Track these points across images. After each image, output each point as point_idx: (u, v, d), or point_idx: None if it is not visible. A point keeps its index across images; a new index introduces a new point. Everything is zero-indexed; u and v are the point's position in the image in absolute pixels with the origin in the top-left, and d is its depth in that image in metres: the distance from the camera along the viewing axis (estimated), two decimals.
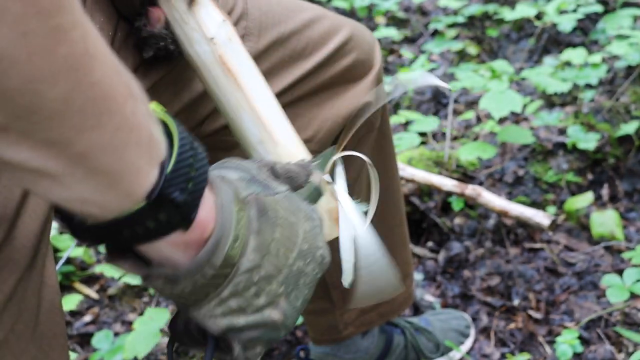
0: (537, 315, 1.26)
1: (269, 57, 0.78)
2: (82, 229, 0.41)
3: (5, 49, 0.29)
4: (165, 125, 0.42)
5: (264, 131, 0.61)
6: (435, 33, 2.31)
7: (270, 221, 0.46)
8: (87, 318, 1.43)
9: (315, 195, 0.58)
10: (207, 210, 0.43)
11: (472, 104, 1.91)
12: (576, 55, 1.71)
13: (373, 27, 2.41)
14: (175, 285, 0.44)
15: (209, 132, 0.78)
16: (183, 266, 0.43)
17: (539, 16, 2.15)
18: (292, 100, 0.82)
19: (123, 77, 0.37)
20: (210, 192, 0.45)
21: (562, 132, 1.65)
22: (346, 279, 0.62)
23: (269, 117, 0.61)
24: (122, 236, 0.41)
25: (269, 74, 0.80)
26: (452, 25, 2.31)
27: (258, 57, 0.77)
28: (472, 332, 1.23)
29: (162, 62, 0.68)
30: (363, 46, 0.87)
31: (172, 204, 0.40)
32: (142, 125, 0.38)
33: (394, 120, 1.70)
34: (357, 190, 0.96)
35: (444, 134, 1.77)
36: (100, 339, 1.27)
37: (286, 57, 0.79)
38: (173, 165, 0.40)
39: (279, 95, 0.81)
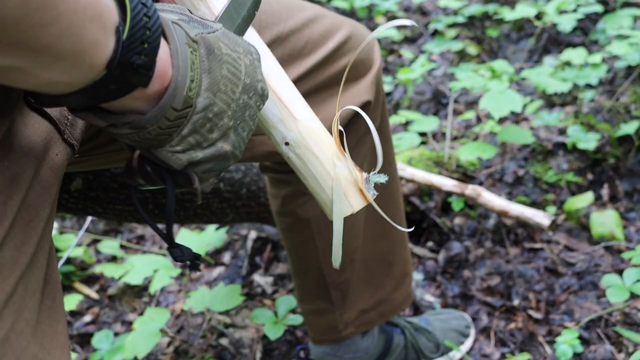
0: (537, 315, 1.26)
1: None
2: (48, 100, 0.45)
3: None
4: None
5: (283, 109, 0.62)
6: (435, 33, 2.31)
7: (217, 59, 0.50)
8: (87, 318, 1.43)
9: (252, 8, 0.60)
10: (163, 60, 0.46)
11: (472, 104, 1.91)
12: (576, 55, 1.71)
13: (373, 27, 2.41)
14: (141, 131, 0.48)
15: None
16: (147, 113, 0.47)
17: (539, 16, 2.15)
18: None
19: None
20: (163, 40, 0.47)
21: (562, 132, 1.65)
22: (336, 259, 0.63)
23: (287, 96, 0.62)
24: (86, 99, 0.45)
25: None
26: (452, 25, 2.31)
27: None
28: (472, 332, 1.23)
29: None
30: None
31: (131, 67, 0.44)
32: (92, 1, 0.40)
33: (394, 120, 1.70)
34: None
35: (444, 134, 1.77)
36: (100, 339, 1.27)
37: (285, 55, 0.80)
38: (128, 30, 0.43)
39: None
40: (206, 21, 0.52)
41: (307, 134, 0.62)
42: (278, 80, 0.62)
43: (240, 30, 0.59)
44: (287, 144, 0.62)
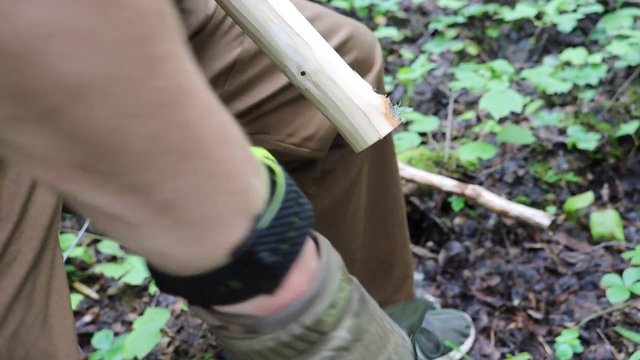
0: (537, 315, 1.26)
1: None
2: (162, 278, 0.36)
3: (94, 78, 0.26)
4: (271, 172, 0.37)
5: (296, 37, 0.59)
6: (435, 33, 2.31)
7: (369, 311, 0.42)
8: (87, 318, 1.43)
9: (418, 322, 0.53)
10: (305, 272, 0.38)
11: (472, 104, 1.91)
12: (576, 55, 1.71)
13: (373, 27, 2.41)
14: (254, 338, 0.38)
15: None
16: (269, 316, 0.38)
17: (539, 16, 2.15)
18: (292, 99, 0.82)
19: (219, 116, 0.32)
20: (314, 252, 0.39)
21: (562, 132, 1.65)
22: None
23: (299, 24, 0.60)
24: (201, 293, 0.36)
25: (269, 72, 0.80)
26: (452, 25, 2.31)
27: (257, 55, 0.77)
28: (472, 332, 1.23)
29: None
30: (363, 45, 0.87)
31: (257, 264, 0.35)
32: (237, 173, 0.33)
33: None
34: (357, 189, 0.96)
35: (444, 134, 1.77)
36: (100, 339, 1.27)
37: None
38: (270, 220, 0.35)
39: (279, 93, 0.81)
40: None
41: (323, 60, 0.59)
42: (287, 8, 0.60)
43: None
44: (303, 73, 0.58)
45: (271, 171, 0.37)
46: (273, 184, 0.36)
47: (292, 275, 0.37)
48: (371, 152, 0.96)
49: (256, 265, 0.35)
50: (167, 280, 0.36)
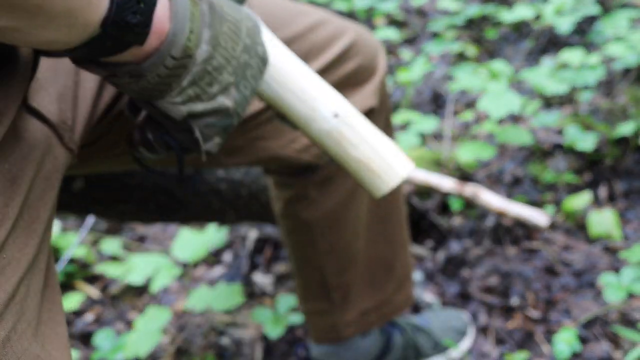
0: (536, 314, 1.27)
1: None
2: (54, 54, 0.48)
3: None
4: None
5: (321, 84, 0.62)
6: (435, 34, 2.32)
7: (219, 16, 0.52)
8: (89, 317, 1.44)
9: None
10: (162, 16, 0.48)
11: (471, 104, 1.92)
12: (574, 56, 1.72)
13: (372, 29, 2.42)
14: (140, 79, 0.49)
15: None
16: (147, 60, 0.48)
17: (537, 18, 2.16)
18: None
19: None
20: None
21: (560, 132, 1.66)
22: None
23: (315, 78, 0.62)
24: (85, 55, 0.47)
25: None
26: (451, 27, 2.32)
27: None
28: (471, 331, 1.24)
29: None
30: (367, 51, 0.87)
31: (127, 26, 0.45)
32: None
33: (394, 120, 1.71)
34: (359, 193, 0.96)
35: (443, 135, 1.78)
36: (102, 338, 1.27)
37: None
38: None
39: None
40: None
41: (347, 104, 0.62)
42: (299, 64, 0.62)
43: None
44: (336, 115, 0.61)
45: None
46: None
47: (154, 24, 0.47)
48: None
49: (125, 27, 0.44)
50: (57, 53, 0.47)
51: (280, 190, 0.98)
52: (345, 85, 0.85)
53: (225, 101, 0.54)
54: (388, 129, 0.97)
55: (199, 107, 0.53)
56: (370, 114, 0.89)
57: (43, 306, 0.50)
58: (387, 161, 0.61)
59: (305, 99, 0.61)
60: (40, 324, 0.49)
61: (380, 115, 0.92)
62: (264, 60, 0.57)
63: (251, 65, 0.55)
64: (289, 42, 0.80)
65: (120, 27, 0.44)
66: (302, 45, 0.81)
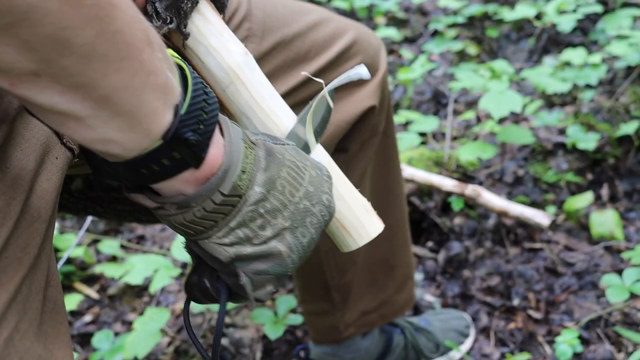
0: (537, 315, 1.26)
1: (272, 59, 0.78)
2: (105, 168, 0.47)
3: (37, 0, 0.33)
4: (181, 70, 0.47)
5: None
6: (435, 33, 2.32)
7: (277, 161, 0.51)
8: (88, 318, 1.43)
9: (326, 112, 0.62)
10: (216, 148, 0.48)
11: (472, 104, 1.91)
12: (576, 55, 1.71)
13: (373, 27, 2.42)
14: (187, 211, 0.48)
15: None
16: (195, 192, 0.48)
17: (538, 16, 2.15)
18: (294, 104, 0.82)
19: (142, 25, 0.41)
20: (219, 133, 0.49)
21: (562, 132, 1.65)
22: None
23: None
24: (140, 173, 0.46)
25: (271, 76, 0.79)
26: (452, 26, 2.31)
27: (261, 59, 0.77)
28: (472, 331, 1.23)
29: None
30: (368, 50, 0.87)
31: (186, 144, 0.45)
32: (159, 70, 0.42)
33: (394, 120, 1.70)
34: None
35: (443, 134, 1.77)
36: (101, 339, 1.27)
37: (289, 59, 0.79)
38: (187, 107, 0.45)
39: (282, 97, 0.81)
40: (278, 138, 0.55)
41: (327, 157, 0.62)
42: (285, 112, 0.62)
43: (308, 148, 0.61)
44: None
45: (180, 67, 0.47)
46: (184, 77, 0.46)
47: (210, 151, 0.47)
48: (375, 155, 0.96)
49: (184, 144, 0.45)
50: (109, 167, 0.46)
51: None
52: (346, 84, 0.84)
53: (277, 246, 0.51)
54: (389, 127, 0.97)
55: (247, 249, 0.51)
56: (371, 112, 0.88)
57: (45, 305, 0.50)
58: (360, 220, 0.60)
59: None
60: (42, 323, 0.49)
61: (381, 114, 0.92)
62: (329, 209, 0.54)
63: (312, 213, 0.53)
64: (290, 41, 0.79)
65: (180, 142, 0.44)
66: (303, 44, 0.80)
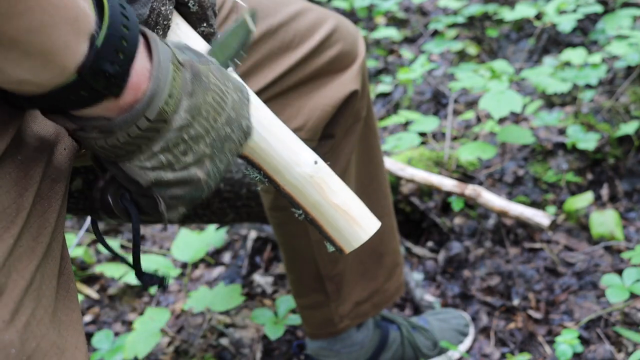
0: (537, 315, 1.26)
1: (259, 49, 0.82)
2: (21, 100, 0.45)
3: None
4: None
5: (297, 139, 0.61)
6: (435, 33, 2.32)
7: (203, 85, 0.50)
8: (88, 318, 1.43)
9: (245, 35, 0.60)
10: (140, 74, 0.46)
11: (472, 104, 1.91)
12: (576, 55, 1.71)
13: (373, 27, 2.42)
14: (110, 136, 0.47)
15: None
16: (118, 117, 0.46)
17: (538, 16, 2.15)
18: (282, 91, 0.86)
19: None
20: (145, 51, 0.47)
21: (562, 132, 1.65)
22: None
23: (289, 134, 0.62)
24: (56, 103, 0.45)
25: (259, 66, 0.83)
26: (452, 26, 2.31)
27: (249, 49, 0.80)
28: (472, 330, 1.23)
29: None
30: (347, 37, 0.90)
31: (104, 75, 0.43)
32: (70, 3, 0.40)
33: (394, 120, 1.70)
34: (347, 180, 0.96)
35: (443, 134, 1.77)
36: (101, 339, 1.27)
37: (275, 48, 0.83)
38: (103, 38, 0.43)
39: (269, 86, 0.84)
40: (202, 54, 0.53)
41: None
42: (278, 119, 0.61)
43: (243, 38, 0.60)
44: (316, 162, 0.60)
45: None
46: (99, 3, 0.44)
47: (132, 78, 0.45)
48: (357, 143, 0.97)
49: (101, 76, 0.43)
50: (27, 99, 0.45)
51: None
52: (329, 70, 0.88)
53: (197, 172, 0.51)
54: (369, 113, 0.99)
55: (168, 175, 0.50)
56: (354, 97, 0.91)
57: (58, 293, 0.51)
58: (365, 210, 0.60)
59: (288, 143, 0.60)
60: (56, 310, 0.50)
61: (362, 99, 0.94)
62: (246, 134, 0.54)
63: (232, 139, 0.53)
64: (275, 31, 0.83)
65: (97, 75, 0.43)
66: (286, 33, 0.84)
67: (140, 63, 0.46)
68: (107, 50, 0.43)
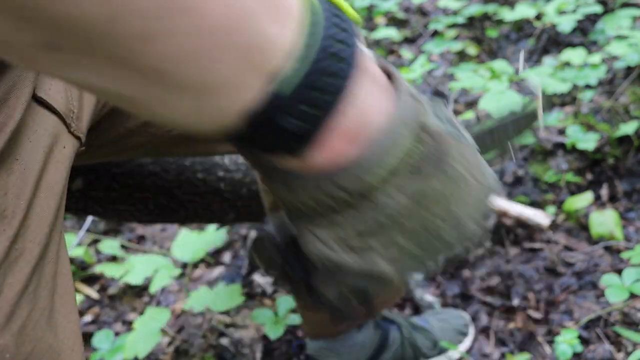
0: (537, 315, 1.26)
1: None
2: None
3: None
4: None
5: None
6: (435, 33, 2.32)
7: (442, 170, 0.35)
8: (88, 318, 1.43)
9: (527, 124, 0.46)
10: (345, 137, 0.32)
11: (472, 104, 1.91)
12: (575, 55, 1.71)
13: (373, 28, 2.42)
14: (290, 192, 0.35)
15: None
16: (304, 176, 0.34)
17: (538, 17, 2.15)
18: None
19: None
20: (380, 99, 0.33)
21: (562, 132, 1.65)
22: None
23: None
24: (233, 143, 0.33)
25: None
26: (452, 26, 2.31)
27: None
28: (472, 330, 1.23)
29: None
30: None
31: (278, 131, 0.31)
32: (240, 20, 0.27)
33: None
34: None
35: None
36: (101, 339, 1.27)
37: None
38: (297, 83, 0.29)
39: None
40: (460, 126, 0.38)
41: None
42: None
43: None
44: None
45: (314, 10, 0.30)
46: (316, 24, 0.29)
47: (328, 139, 0.32)
48: None
49: (276, 131, 0.30)
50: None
51: None
52: None
53: (385, 268, 0.36)
54: None
55: (349, 260, 0.36)
56: None
57: (55, 294, 0.51)
58: None
59: None
60: (53, 312, 0.50)
61: None
62: (465, 244, 0.38)
63: (442, 240, 0.37)
64: None
65: (268, 130, 0.30)
66: None
67: (350, 123, 0.32)
68: (293, 101, 0.29)
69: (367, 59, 0.34)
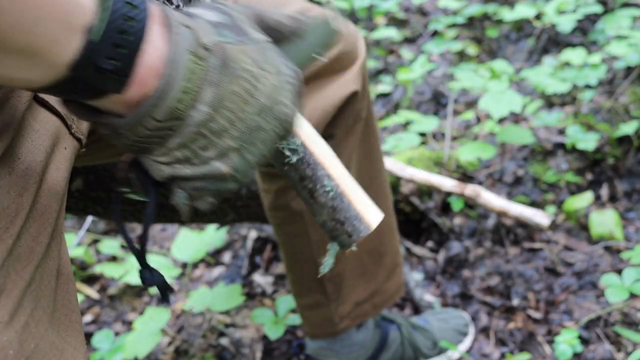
0: (537, 315, 1.26)
1: None
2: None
3: None
4: None
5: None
6: (435, 33, 2.32)
7: (230, 72, 0.45)
8: (88, 318, 1.43)
9: (328, 34, 0.54)
10: (150, 65, 0.42)
11: (472, 104, 1.91)
12: (575, 55, 1.71)
13: (373, 28, 2.42)
14: (119, 135, 0.45)
15: None
16: (124, 118, 0.43)
17: (538, 16, 2.15)
18: None
19: None
20: (162, 37, 0.43)
21: (562, 132, 1.65)
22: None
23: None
24: (59, 94, 0.43)
25: None
26: (452, 26, 2.31)
27: None
28: (471, 330, 1.23)
29: None
30: (348, 37, 0.91)
31: (99, 71, 0.40)
32: None
33: (394, 120, 1.70)
34: None
35: (443, 134, 1.78)
36: (101, 339, 1.27)
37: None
38: (103, 30, 0.39)
39: None
40: (250, 30, 0.47)
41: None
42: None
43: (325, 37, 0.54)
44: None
45: None
46: None
47: (137, 73, 0.41)
48: (358, 143, 0.97)
49: (96, 72, 0.40)
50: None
51: (269, 183, 0.99)
52: (329, 70, 0.88)
53: (220, 167, 0.46)
54: (370, 114, 0.99)
55: (186, 171, 0.46)
56: (354, 97, 0.91)
57: (57, 293, 0.51)
58: (369, 202, 0.60)
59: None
60: (55, 310, 0.50)
61: (363, 100, 0.94)
62: (283, 124, 0.48)
63: (264, 129, 0.47)
64: None
65: (92, 71, 0.40)
66: None
67: (152, 53, 0.42)
68: (104, 45, 0.39)
69: (153, 5, 0.43)
